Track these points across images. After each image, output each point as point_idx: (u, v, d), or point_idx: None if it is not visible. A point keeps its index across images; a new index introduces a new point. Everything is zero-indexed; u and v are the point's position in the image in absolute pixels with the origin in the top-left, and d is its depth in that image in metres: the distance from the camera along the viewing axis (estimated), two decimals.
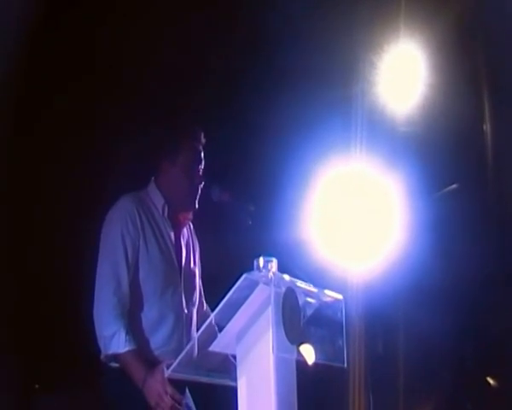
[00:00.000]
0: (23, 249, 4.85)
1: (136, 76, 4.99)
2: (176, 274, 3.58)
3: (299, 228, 4.72)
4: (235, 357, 2.94)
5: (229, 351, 2.98)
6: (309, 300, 3.04)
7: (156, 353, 3.45)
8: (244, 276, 2.82)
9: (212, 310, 2.94)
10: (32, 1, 4.47)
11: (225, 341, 2.92)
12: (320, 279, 3.23)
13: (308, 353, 2.95)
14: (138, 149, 4.57)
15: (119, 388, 3.39)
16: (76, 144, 4.87)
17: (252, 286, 2.86)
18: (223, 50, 5.18)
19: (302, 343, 2.93)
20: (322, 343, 3.03)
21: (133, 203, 3.53)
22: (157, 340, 3.47)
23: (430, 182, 5.29)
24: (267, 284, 2.83)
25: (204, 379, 3.04)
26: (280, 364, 2.84)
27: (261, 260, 2.87)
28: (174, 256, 3.59)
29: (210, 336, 2.93)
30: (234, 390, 2.92)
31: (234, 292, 2.82)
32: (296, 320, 2.89)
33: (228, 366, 3.01)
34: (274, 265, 2.88)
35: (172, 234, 3.62)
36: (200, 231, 3.82)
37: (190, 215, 3.70)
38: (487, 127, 5.36)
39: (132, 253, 3.46)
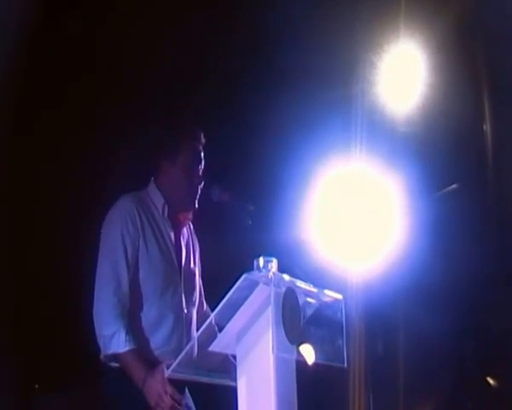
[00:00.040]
0: (23, 249, 4.85)
1: (136, 76, 4.99)
2: (176, 274, 3.58)
3: (299, 228, 4.72)
4: (235, 357, 2.94)
5: (229, 351, 2.98)
6: (309, 300, 3.04)
7: (156, 353, 3.45)
8: (244, 276, 2.82)
9: (212, 310, 2.94)
10: (31, 1, 4.47)
11: (225, 341, 2.92)
12: (320, 279, 3.23)
13: (308, 353, 2.95)
14: (138, 149, 4.57)
15: (119, 388, 3.39)
16: (76, 144, 4.87)
17: (252, 286, 2.86)
18: (223, 50, 5.18)
19: (302, 343, 2.93)
20: (322, 343, 3.03)
21: (133, 203, 3.53)
22: (157, 340, 3.47)
23: (430, 182, 5.29)
24: (267, 284, 2.83)
25: (204, 379, 3.05)
26: (280, 364, 2.84)
27: (261, 260, 2.87)
28: (174, 256, 3.59)
29: (210, 336, 2.93)
30: (234, 390, 2.92)
31: (234, 292, 2.82)
32: (296, 320, 2.89)
33: (228, 366, 3.01)
34: (274, 265, 2.88)
35: (172, 234, 3.62)
36: (200, 231, 3.82)
37: (190, 215, 3.70)
38: (487, 127, 5.36)
39: (132, 253, 3.46)
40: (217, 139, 3.85)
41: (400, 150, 5.20)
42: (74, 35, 4.82)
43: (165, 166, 3.62)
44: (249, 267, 2.87)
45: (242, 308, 2.87)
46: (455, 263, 5.12)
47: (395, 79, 5.15)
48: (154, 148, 3.70)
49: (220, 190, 3.58)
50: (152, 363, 3.37)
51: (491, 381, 5.43)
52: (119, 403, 3.41)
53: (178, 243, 3.64)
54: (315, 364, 2.97)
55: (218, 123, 4.84)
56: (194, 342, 2.93)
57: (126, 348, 3.33)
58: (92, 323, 3.39)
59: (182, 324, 3.54)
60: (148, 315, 3.47)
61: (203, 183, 3.62)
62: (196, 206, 3.63)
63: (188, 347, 2.95)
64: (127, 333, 3.34)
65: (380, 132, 5.24)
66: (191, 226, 3.78)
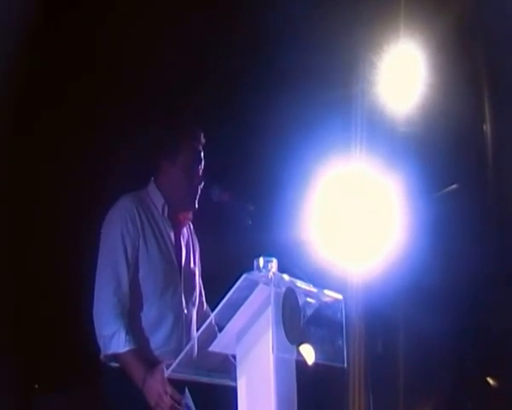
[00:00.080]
0: (23, 249, 4.85)
1: (136, 76, 4.99)
2: (176, 274, 3.58)
3: (299, 228, 4.72)
4: (235, 357, 2.94)
5: (229, 351, 2.98)
6: (309, 300, 3.04)
7: (156, 353, 3.45)
8: (244, 276, 2.82)
9: (212, 310, 2.94)
10: (31, 1, 4.47)
11: (225, 341, 2.92)
12: (320, 279, 3.23)
13: (308, 353, 2.95)
14: (138, 149, 4.56)
15: (119, 388, 3.39)
16: (76, 144, 4.87)
17: (252, 286, 2.86)
18: (223, 50, 5.18)
19: (302, 343, 2.93)
20: (322, 343, 3.03)
21: (133, 203, 3.54)
22: (157, 340, 3.47)
23: (430, 182, 5.28)
24: (267, 284, 2.83)
25: (204, 379, 3.05)
26: (280, 364, 2.84)
27: (261, 260, 2.87)
28: (174, 256, 3.59)
29: (210, 336, 2.93)
30: (234, 390, 2.92)
31: (234, 292, 2.82)
32: (296, 320, 2.89)
33: (228, 366, 3.01)
34: (274, 265, 2.88)
35: (172, 234, 3.62)
36: (200, 231, 3.82)
37: (190, 215, 3.70)
38: (487, 127, 5.36)
39: (132, 252, 3.46)
40: (217, 139, 3.85)
41: (400, 150, 5.20)
42: (74, 35, 4.82)
43: (165, 166, 3.62)
44: (249, 267, 2.87)
45: (242, 308, 2.87)
46: (455, 263, 5.11)
47: (395, 79, 5.15)
48: (154, 148, 3.70)
49: (220, 190, 3.58)
50: (152, 363, 3.37)
51: (491, 381, 5.42)
52: (119, 403, 3.41)
53: (178, 243, 3.64)
54: (315, 364, 2.97)
55: (218, 123, 4.84)
56: (194, 342, 2.93)
57: (126, 348, 3.33)
58: (92, 323, 3.39)
59: (182, 324, 3.54)
60: (147, 315, 3.47)
61: (203, 183, 3.62)
62: (196, 206, 3.63)
63: (188, 347, 2.95)
64: (127, 333, 3.34)
65: (380, 132, 5.24)
66: (191, 226, 3.78)
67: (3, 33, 4.19)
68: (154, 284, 3.49)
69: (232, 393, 2.92)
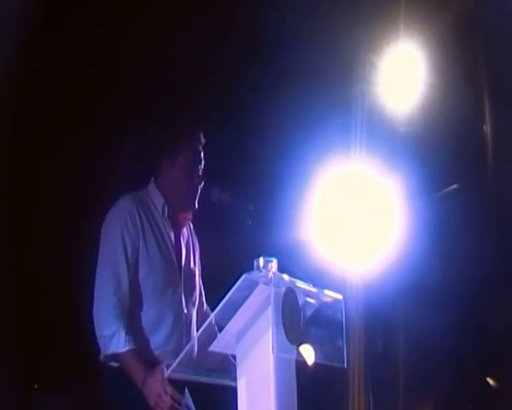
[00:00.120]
0: (23, 249, 4.85)
1: (136, 76, 4.99)
2: (176, 274, 3.58)
3: (299, 228, 4.72)
4: (234, 357, 2.94)
5: (228, 351, 2.98)
6: (309, 300, 3.04)
7: (156, 353, 3.45)
8: (244, 276, 2.82)
9: (212, 310, 2.94)
10: (31, 1, 4.47)
11: (225, 341, 2.92)
12: (320, 279, 3.23)
13: (308, 353, 2.95)
14: (138, 149, 4.56)
15: (119, 388, 3.39)
16: (76, 144, 4.87)
17: (252, 286, 2.86)
18: (223, 50, 5.18)
19: (302, 343, 2.93)
20: (322, 343, 3.03)
21: (133, 203, 3.54)
22: (157, 340, 3.47)
23: (430, 182, 5.28)
24: (267, 284, 2.83)
25: (204, 379, 3.05)
26: (280, 364, 2.84)
27: (261, 260, 2.87)
28: (174, 256, 3.59)
29: (210, 336, 2.93)
30: (234, 390, 2.92)
31: (234, 292, 2.82)
32: (296, 320, 2.89)
33: (228, 366, 3.01)
34: (274, 265, 2.88)
35: (172, 234, 3.62)
36: (200, 231, 3.82)
37: (190, 215, 3.70)
38: (487, 127, 5.36)
39: (132, 252, 3.46)
40: (217, 139, 3.85)
41: (400, 150, 5.20)
42: (74, 35, 4.82)
43: (165, 166, 3.62)
44: (249, 267, 2.87)
45: (242, 308, 2.87)
46: (455, 263, 5.11)
47: (395, 79, 5.15)
48: (154, 148, 3.70)
49: (220, 190, 3.58)
50: (152, 363, 3.37)
51: (491, 381, 5.42)
52: (119, 403, 3.41)
53: (178, 243, 3.64)
54: (315, 364, 2.97)
55: (218, 123, 4.84)
56: (194, 342, 2.93)
57: (126, 348, 3.33)
58: (92, 323, 3.39)
59: (182, 324, 3.54)
60: (147, 315, 3.47)
61: (203, 183, 3.62)
62: (196, 206, 3.63)
63: (188, 347, 2.95)
64: (127, 333, 3.34)
65: (380, 133, 5.24)
66: (191, 226, 3.78)
67: (3, 33, 4.19)
68: (153, 284, 3.49)
69: (232, 393, 2.92)
